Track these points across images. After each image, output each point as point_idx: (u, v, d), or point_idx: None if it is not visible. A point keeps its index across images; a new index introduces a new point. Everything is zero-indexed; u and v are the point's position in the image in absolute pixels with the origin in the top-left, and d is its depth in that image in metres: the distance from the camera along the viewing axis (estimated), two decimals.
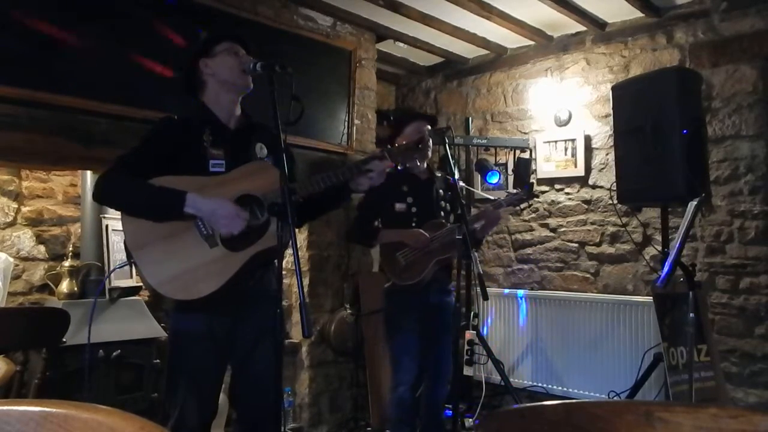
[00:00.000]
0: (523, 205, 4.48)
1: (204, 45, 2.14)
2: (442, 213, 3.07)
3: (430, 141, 2.96)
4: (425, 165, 3.10)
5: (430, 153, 3.02)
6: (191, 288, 1.93)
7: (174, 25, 3.08)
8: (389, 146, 2.21)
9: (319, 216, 2.49)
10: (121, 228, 2.00)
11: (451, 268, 3.18)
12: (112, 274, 3.24)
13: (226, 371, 2.18)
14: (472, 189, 4.49)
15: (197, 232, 1.96)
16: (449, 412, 3.22)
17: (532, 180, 4.46)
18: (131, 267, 3.05)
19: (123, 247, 2.01)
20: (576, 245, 4.34)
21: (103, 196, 2.02)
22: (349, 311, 3.96)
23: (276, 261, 2.08)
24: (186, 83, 2.18)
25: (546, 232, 4.51)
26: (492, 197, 4.10)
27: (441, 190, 3.12)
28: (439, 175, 3.17)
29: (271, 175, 2.04)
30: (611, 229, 4.18)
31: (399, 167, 2.18)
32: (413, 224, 3.01)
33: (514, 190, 3.94)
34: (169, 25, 3.06)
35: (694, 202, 2.57)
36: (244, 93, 2.15)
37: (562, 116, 4.40)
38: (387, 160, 2.13)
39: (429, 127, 3.02)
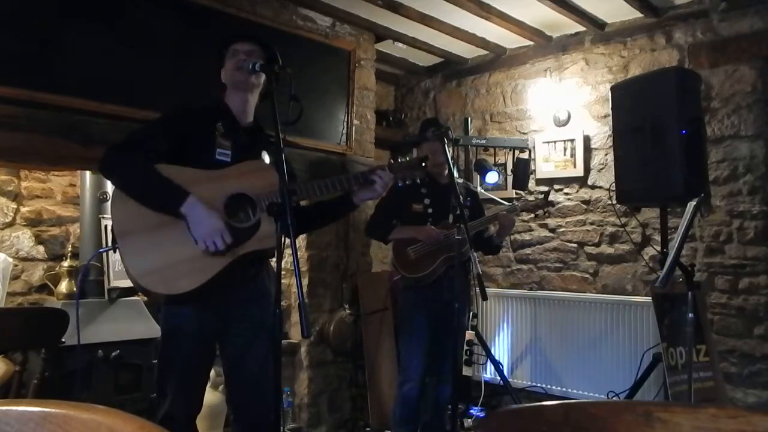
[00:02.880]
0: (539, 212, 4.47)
1: (218, 55, 2.21)
2: None
3: (449, 157, 2.98)
4: (446, 171, 3.13)
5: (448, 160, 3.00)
6: (171, 283, 1.93)
7: (174, 25, 3.08)
8: (391, 161, 2.22)
9: (322, 226, 2.50)
10: None
11: (468, 271, 3.19)
12: (110, 274, 3.25)
13: (212, 367, 2.21)
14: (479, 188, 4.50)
15: (185, 227, 1.95)
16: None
17: (532, 180, 4.47)
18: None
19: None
20: (575, 245, 4.35)
21: (109, 169, 2.03)
22: (348, 311, 3.96)
23: (271, 260, 2.08)
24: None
25: (545, 233, 4.51)
26: (493, 197, 4.11)
27: (460, 196, 3.14)
28: (460, 181, 3.22)
29: (267, 176, 2.05)
30: (610, 229, 4.18)
31: (399, 183, 2.20)
32: (428, 224, 3.12)
33: (531, 197, 3.95)
34: (169, 25, 3.07)
35: (693, 203, 2.57)
36: (250, 91, 2.17)
37: (561, 116, 4.41)
38: (389, 174, 2.15)
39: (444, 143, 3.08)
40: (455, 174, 2.86)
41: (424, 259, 3.06)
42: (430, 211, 3.16)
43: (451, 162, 2.82)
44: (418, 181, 2.17)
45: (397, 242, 3.17)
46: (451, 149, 3.10)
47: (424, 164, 2.22)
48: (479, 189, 4.49)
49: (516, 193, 4.52)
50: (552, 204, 4.22)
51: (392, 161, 2.22)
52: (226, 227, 1.97)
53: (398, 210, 3.21)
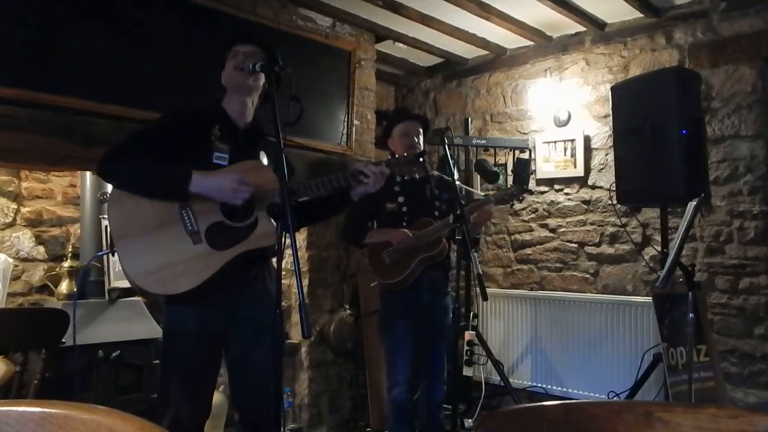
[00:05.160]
0: (516, 203, 4.48)
1: (220, 58, 2.20)
2: (437, 213, 3.03)
3: (421, 142, 2.95)
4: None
5: (449, 161, 2.95)
6: (169, 283, 1.94)
7: (174, 26, 3.08)
8: (390, 157, 2.21)
9: (319, 222, 2.49)
10: None
11: (447, 269, 3.16)
12: (110, 274, 3.25)
13: (219, 371, 2.19)
14: (471, 189, 4.49)
15: (182, 227, 1.96)
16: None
17: (532, 180, 4.47)
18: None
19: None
20: (575, 245, 4.35)
21: (109, 171, 2.03)
22: (348, 312, 3.96)
23: (273, 261, 2.08)
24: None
25: (545, 233, 4.51)
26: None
27: (436, 190, 3.08)
28: (436, 174, 3.15)
29: (263, 176, 2.05)
30: (611, 229, 4.18)
31: (398, 178, 2.17)
32: (404, 224, 2.98)
33: (505, 187, 3.90)
34: (169, 25, 3.07)
35: (694, 203, 2.58)
36: (248, 94, 2.16)
37: (561, 116, 4.40)
38: (385, 170, 2.14)
39: (420, 128, 3.02)
40: (428, 166, 2.74)
41: (400, 262, 2.95)
42: (405, 209, 3.00)
43: (451, 162, 2.80)
44: (417, 176, 2.14)
45: (371, 247, 3.05)
46: (423, 139, 3.02)
47: (422, 159, 2.21)
48: (475, 191, 4.49)
49: None
50: (530, 191, 4.22)
51: (390, 157, 2.22)
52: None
53: (372, 211, 3.07)
